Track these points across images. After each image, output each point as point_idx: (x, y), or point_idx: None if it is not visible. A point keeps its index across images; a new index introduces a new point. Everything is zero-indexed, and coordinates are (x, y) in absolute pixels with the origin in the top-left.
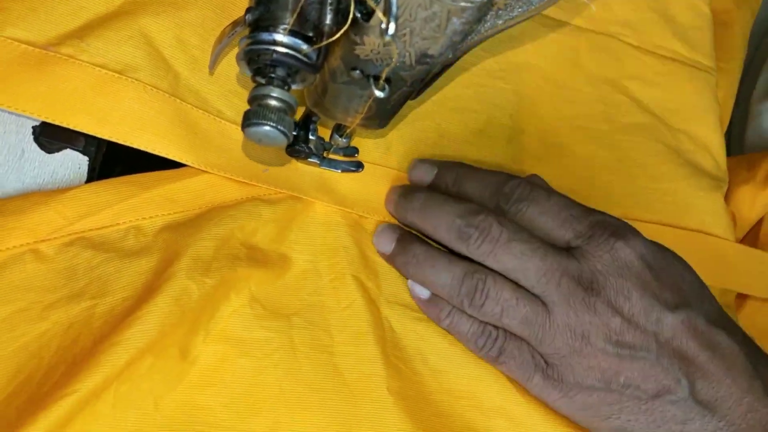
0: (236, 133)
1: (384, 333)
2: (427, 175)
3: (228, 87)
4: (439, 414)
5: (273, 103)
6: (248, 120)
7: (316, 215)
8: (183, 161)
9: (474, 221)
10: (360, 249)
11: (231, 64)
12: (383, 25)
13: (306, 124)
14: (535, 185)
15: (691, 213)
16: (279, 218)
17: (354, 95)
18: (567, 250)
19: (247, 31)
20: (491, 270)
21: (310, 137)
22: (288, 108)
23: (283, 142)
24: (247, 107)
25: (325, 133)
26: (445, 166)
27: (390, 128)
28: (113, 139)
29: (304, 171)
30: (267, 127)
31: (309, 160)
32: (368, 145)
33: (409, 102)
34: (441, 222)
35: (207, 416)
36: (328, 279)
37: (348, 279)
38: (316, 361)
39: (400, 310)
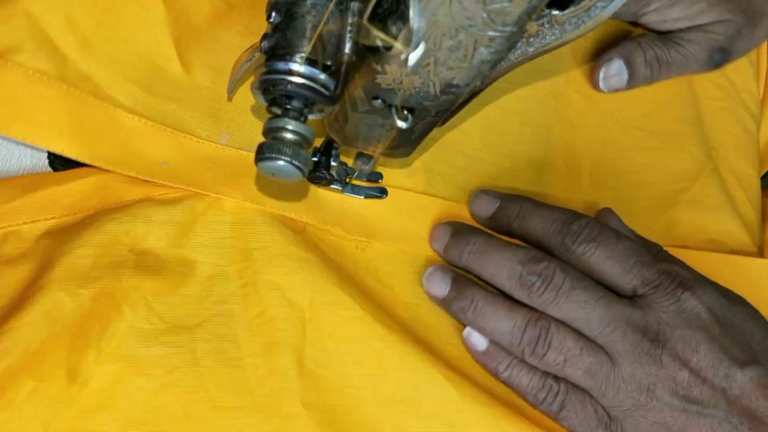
0: (129, 121)
1: (303, 341)
2: (488, 207)
3: (122, 73)
4: (364, 422)
5: (288, 136)
6: (262, 154)
7: (224, 214)
8: (66, 154)
9: (536, 268)
10: (279, 248)
11: (129, 48)
12: (403, 56)
13: (328, 150)
14: (604, 226)
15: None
16: (178, 220)
17: (376, 125)
18: (631, 299)
19: (263, 58)
20: (553, 318)
21: (332, 163)
22: (304, 141)
23: (298, 176)
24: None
25: (347, 158)
26: (507, 199)
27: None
28: None
29: (210, 164)
30: (281, 162)
31: (331, 186)
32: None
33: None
34: (501, 268)
35: None
36: (237, 284)
37: (261, 284)
38: (222, 376)
39: (329, 309)
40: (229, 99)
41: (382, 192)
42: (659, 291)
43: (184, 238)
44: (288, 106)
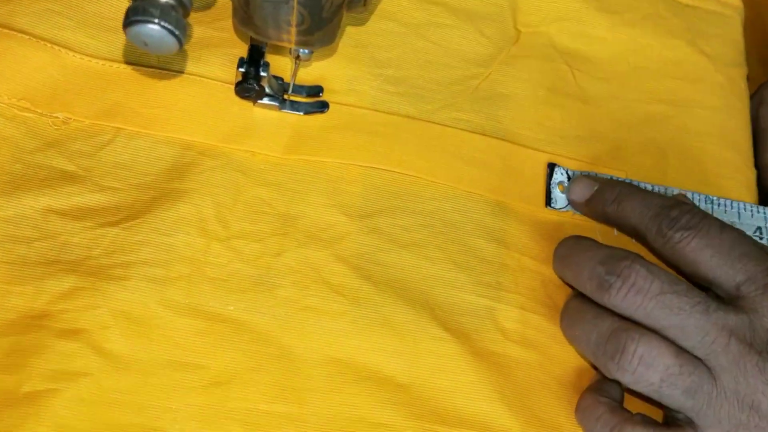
0: None
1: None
2: (586, 192)
3: None
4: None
5: None
6: (127, 18)
7: None
8: None
9: (616, 268)
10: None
11: None
12: None
13: (254, 58)
14: (708, 215)
15: None
16: None
17: (279, 1)
18: (734, 302)
19: None
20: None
21: (262, 74)
22: (177, 4)
23: (174, 44)
24: None
25: (284, 74)
26: (607, 183)
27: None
28: None
29: None
30: (150, 25)
31: (266, 102)
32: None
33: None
34: (582, 270)
35: None
36: None
37: None
38: None
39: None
40: None
41: (323, 106)
42: None
43: None
44: None
